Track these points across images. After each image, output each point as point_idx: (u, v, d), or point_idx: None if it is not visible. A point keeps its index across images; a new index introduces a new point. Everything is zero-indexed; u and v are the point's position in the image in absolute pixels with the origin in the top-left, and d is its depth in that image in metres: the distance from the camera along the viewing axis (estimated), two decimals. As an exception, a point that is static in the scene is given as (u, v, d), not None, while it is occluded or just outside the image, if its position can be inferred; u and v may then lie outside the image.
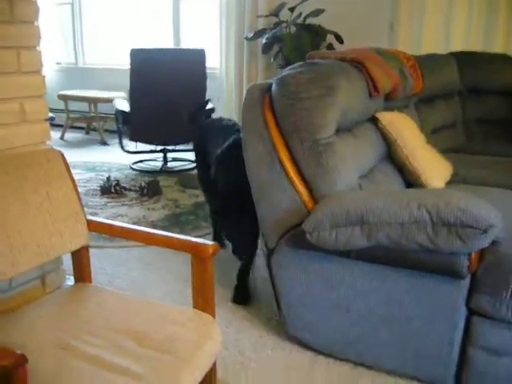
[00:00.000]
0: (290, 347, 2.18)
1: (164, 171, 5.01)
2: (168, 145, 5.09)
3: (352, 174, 2.12)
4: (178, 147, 5.09)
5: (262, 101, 2.12)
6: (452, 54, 4.00)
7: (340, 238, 1.81)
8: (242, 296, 2.54)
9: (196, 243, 1.59)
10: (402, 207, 1.75)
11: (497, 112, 4.10)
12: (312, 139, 2.00)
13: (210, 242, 1.58)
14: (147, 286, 2.71)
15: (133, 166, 5.09)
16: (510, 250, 1.86)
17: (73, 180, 1.74)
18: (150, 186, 4.24)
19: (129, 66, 4.69)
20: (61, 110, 6.36)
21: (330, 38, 4.84)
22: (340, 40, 4.77)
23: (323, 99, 2.02)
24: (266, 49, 5.07)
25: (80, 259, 1.79)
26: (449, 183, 2.66)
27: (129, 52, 4.68)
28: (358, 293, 1.98)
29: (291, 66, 2.19)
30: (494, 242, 1.86)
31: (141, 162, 5.24)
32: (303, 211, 2.01)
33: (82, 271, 1.81)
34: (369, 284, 1.96)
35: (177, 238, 1.65)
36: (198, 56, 4.78)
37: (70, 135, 6.53)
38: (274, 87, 2.10)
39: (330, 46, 4.86)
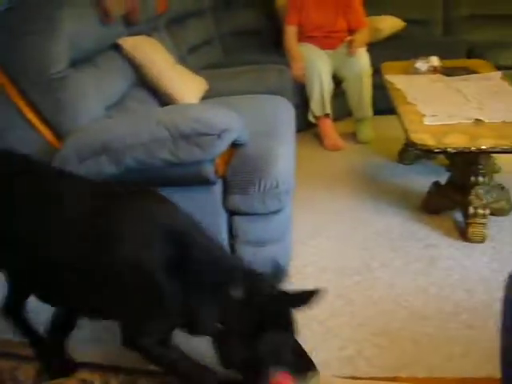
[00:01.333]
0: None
1: None
2: None
3: (95, 105, 2.07)
4: None
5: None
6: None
7: (90, 169, 1.78)
8: None
9: None
10: (141, 128, 1.78)
11: (249, 23, 4.32)
12: (42, 76, 1.91)
13: None
14: None
15: None
16: (253, 151, 2.02)
17: None
18: None
19: None
20: None
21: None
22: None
23: (46, 32, 1.92)
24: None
25: None
26: (203, 99, 2.76)
27: None
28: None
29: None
30: (238, 145, 2.01)
31: None
32: (52, 152, 1.93)
33: None
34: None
35: None
36: None
37: None
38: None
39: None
